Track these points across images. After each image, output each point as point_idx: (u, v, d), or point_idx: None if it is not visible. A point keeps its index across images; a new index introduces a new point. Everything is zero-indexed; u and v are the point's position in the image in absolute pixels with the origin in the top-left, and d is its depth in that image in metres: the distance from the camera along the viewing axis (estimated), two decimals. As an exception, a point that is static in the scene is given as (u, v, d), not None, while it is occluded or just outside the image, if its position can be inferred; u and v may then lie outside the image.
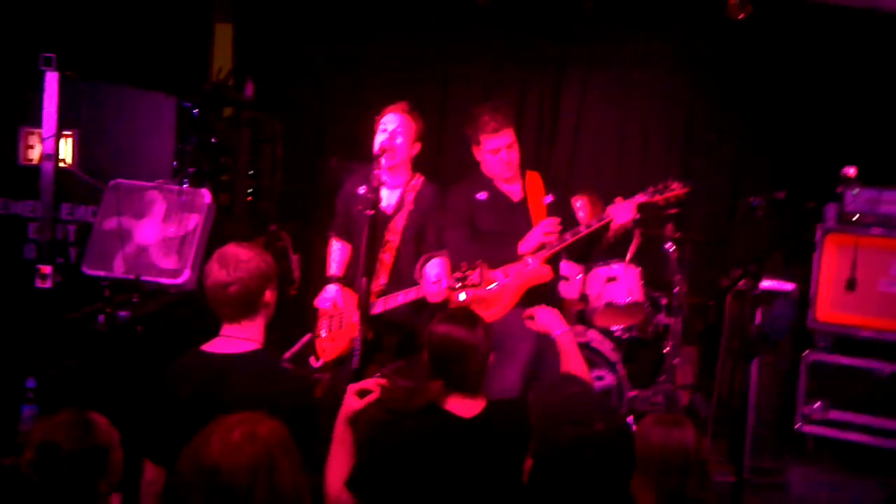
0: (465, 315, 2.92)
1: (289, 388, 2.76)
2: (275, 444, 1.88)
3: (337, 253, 4.60)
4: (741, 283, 4.53)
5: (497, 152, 4.28)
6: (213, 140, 5.69)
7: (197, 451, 1.85)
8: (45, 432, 2.22)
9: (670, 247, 5.96)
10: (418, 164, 4.52)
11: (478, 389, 2.86)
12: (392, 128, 4.27)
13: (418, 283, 4.14)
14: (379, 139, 4.26)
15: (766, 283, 4.46)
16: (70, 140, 4.97)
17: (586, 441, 2.01)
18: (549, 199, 4.41)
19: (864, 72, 6.72)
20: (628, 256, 5.98)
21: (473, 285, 3.89)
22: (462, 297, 4.20)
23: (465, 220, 4.34)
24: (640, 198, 4.18)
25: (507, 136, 4.27)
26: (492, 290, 4.22)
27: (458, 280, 3.92)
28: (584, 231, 4.18)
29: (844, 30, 6.54)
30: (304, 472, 1.96)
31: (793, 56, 6.96)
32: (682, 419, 2.59)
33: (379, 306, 4.16)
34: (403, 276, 4.28)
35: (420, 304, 4.27)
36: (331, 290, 4.50)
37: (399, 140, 4.26)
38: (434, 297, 4.07)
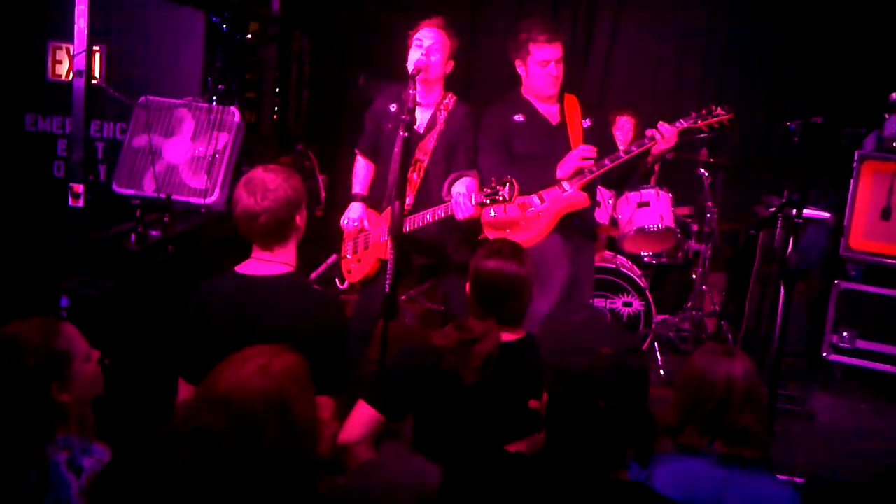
0: (512, 249, 2.89)
1: (320, 310, 2.75)
2: (288, 379, 1.88)
3: (361, 170, 4.53)
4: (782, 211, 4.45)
5: (546, 64, 4.21)
6: (239, 56, 5.60)
7: (211, 380, 1.86)
8: (9, 330, 2.26)
9: (704, 172, 5.87)
10: (449, 84, 4.43)
11: (521, 322, 2.88)
12: (428, 44, 4.15)
13: (446, 202, 4.09)
14: (414, 56, 4.14)
15: (803, 213, 4.37)
16: (99, 55, 4.90)
17: (594, 367, 2.00)
18: (588, 123, 4.33)
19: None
20: (653, 180, 5.91)
21: (504, 200, 3.82)
22: (492, 213, 4.16)
23: (500, 142, 4.26)
24: (684, 123, 4.09)
25: (558, 49, 4.20)
26: (527, 214, 4.18)
27: (488, 196, 3.85)
28: (623, 157, 4.11)
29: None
30: (316, 409, 1.96)
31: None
32: (735, 351, 2.57)
33: (406, 225, 4.07)
34: (432, 196, 4.21)
35: (447, 224, 4.23)
36: (356, 208, 4.45)
37: (434, 57, 4.15)
38: (462, 212, 3.98)
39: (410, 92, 3.71)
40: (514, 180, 3.80)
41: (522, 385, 2.65)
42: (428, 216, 4.09)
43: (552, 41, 4.19)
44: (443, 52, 4.18)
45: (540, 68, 4.22)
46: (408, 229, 4.07)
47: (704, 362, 2.53)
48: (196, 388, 1.91)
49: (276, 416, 1.82)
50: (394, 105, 4.31)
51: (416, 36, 4.19)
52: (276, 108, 6.47)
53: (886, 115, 5.34)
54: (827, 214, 5.58)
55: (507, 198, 3.81)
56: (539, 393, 2.36)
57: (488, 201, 3.87)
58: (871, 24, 6.68)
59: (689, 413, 2.51)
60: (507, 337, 2.80)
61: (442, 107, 4.29)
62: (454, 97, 4.33)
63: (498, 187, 3.82)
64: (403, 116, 3.64)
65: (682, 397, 2.56)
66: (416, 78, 3.87)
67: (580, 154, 4.13)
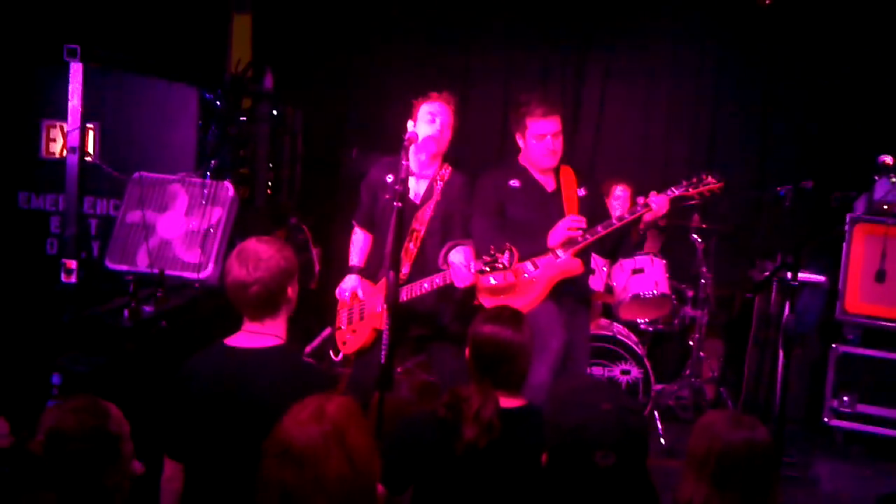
0: (511, 315, 2.90)
1: (311, 384, 2.64)
2: (343, 417, 1.93)
3: (359, 242, 4.55)
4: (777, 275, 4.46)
5: (543, 138, 4.25)
6: (232, 132, 5.65)
7: (272, 436, 1.93)
8: (56, 416, 2.21)
9: (696, 238, 5.89)
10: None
11: (520, 388, 2.86)
12: (442, 119, 4.21)
13: (443, 271, 4.09)
14: (424, 130, 4.17)
15: (798, 276, 4.39)
16: (92, 132, 4.94)
17: (592, 421, 1.97)
18: (583, 192, 4.37)
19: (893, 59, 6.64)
20: (646, 247, 5.93)
21: (503, 268, 3.85)
22: (492, 280, 4.15)
23: (493, 207, 4.30)
24: (675, 191, 4.16)
25: (556, 123, 4.26)
26: (521, 281, 4.18)
27: (487, 263, 3.87)
28: (616, 224, 4.15)
29: (873, 13, 6.46)
30: (375, 439, 2.01)
31: (819, 43, 6.88)
32: (754, 421, 2.46)
33: (403, 295, 4.11)
34: (428, 265, 4.23)
35: (443, 294, 4.23)
36: (351, 279, 4.46)
37: (446, 133, 4.23)
38: (462, 281, 4.01)
39: (403, 162, 3.73)
40: (513, 248, 3.82)
41: (525, 454, 2.61)
42: (426, 285, 4.09)
43: (549, 115, 4.24)
44: (451, 127, 4.25)
45: (537, 142, 4.27)
46: (404, 299, 4.07)
47: (725, 431, 2.41)
48: (263, 446, 1.95)
49: (338, 451, 1.88)
50: (390, 175, 4.34)
51: (427, 109, 4.23)
52: (269, 183, 6.50)
53: (876, 178, 5.38)
54: (822, 278, 5.59)
55: (507, 265, 3.83)
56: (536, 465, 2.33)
57: (488, 269, 3.88)
58: (857, 88, 6.79)
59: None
60: (507, 403, 2.77)
61: (438, 177, 4.33)
62: (450, 167, 4.37)
63: (497, 254, 3.83)
64: (396, 186, 3.65)
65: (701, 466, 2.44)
66: (426, 151, 3.88)
67: (567, 224, 4.16)
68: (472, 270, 3.96)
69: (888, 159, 5.29)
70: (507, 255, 3.82)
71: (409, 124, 4.25)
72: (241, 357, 2.70)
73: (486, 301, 4.22)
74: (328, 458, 1.87)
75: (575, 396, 2.10)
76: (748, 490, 2.31)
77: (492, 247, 3.87)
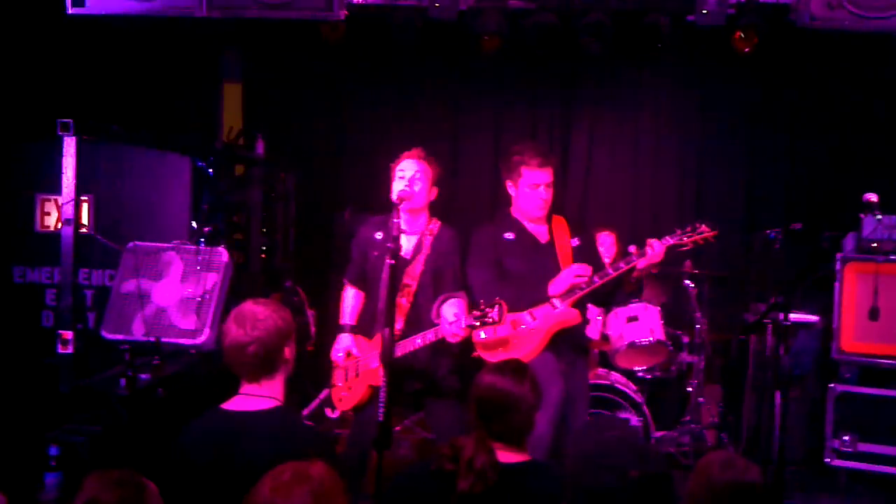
0: (514, 367, 2.89)
1: (309, 446, 2.63)
2: (327, 479, 1.96)
3: (351, 300, 4.59)
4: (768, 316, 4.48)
5: (536, 187, 4.33)
6: (225, 199, 5.72)
7: (251, 496, 1.94)
8: (98, 487, 2.19)
9: (689, 284, 5.93)
10: (433, 210, 4.52)
11: (522, 443, 2.81)
12: (410, 174, 4.28)
13: (436, 326, 4.12)
14: (397, 186, 4.25)
15: (790, 317, 4.41)
16: (87, 205, 4.99)
17: (620, 489, 1.95)
18: (576, 242, 4.42)
19: (877, 99, 6.75)
20: (647, 296, 5.95)
21: (493, 322, 3.88)
22: (482, 335, 4.18)
23: (491, 260, 4.35)
24: (670, 240, 4.22)
25: (549, 174, 4.34)
26: (519, 332, 4.20)
27: (477, 318, 3.92)
28: (612, 274, 4.20)
29: (856, 56, 6.57)
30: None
31: (800, 87, 7.01)
32: (748, 464, 2.47)
33: (398, 350, 4.10)
34: (422, 320, 4.26)
35: (438, 348, 4.25)
36: (344, 339, 4.50)
37: (418, 186, 4.27)
38: (453, 336, 4.05)
39: (394, 220, 3.77)
40: (502, 302, 3.85)
41: None
42: (418, 341, 4.12)
43: (543, 165, 4.32)
44: (425, 181, 4.30)
45: (530, 191, 4.34)
46: (398, 355, 4.08)
47: (726, 477, 2.41)
48: None
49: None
50: (379, 233, 4.39)
51: (398, 167, 4.32)
52: (263, 247, 6.56)
53: (862, 216, 5.43)
54: (815, 318, 5.60)
55: (497, 319, 3.86)
56: None
57: (478, 324, 3.92)
58: (840, 129, 6.90)
59: None
60: (508, 458, 2.73)
61: (427, 232, 4.39)
62: (439, 222, 4.43)
63: (487, 309, 3.87)
64: (389, 244, 3.70)
65: None
66: (401, 207, 3.94)
67: (575, 272, 4.21)
68: (463, 325, 3.99)
69: (873, 197, 5.33)
70: (496, 309, 3.86)
71: (391, 187, 4.33)
72: (237, 421, 2.70)
73: (485, 354, 4.24)
74: None
75: (602, 458, 2.08)
76: None
77: (482, 301, 3.92)
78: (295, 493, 1.91)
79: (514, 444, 2.78)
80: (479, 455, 2.63)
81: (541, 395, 2.89)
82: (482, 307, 3.90)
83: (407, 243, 4.36)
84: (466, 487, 2.60)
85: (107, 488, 2.18)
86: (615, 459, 2.06)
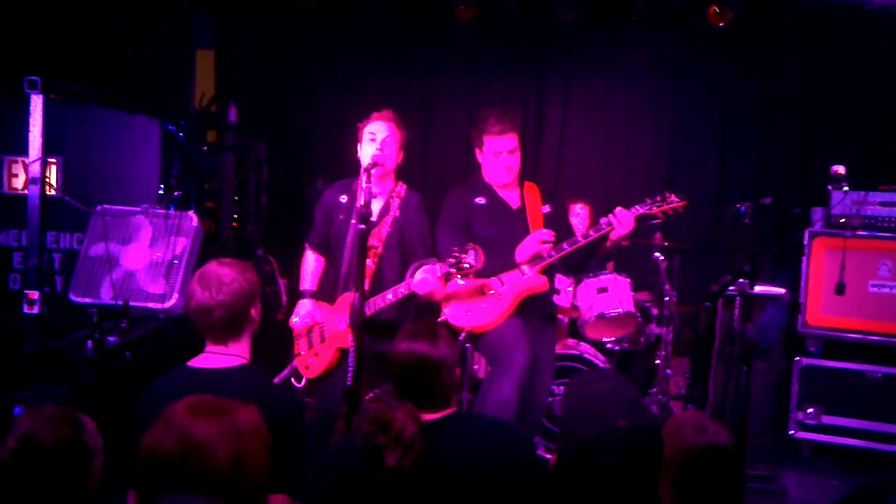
0: (427, 330, 2.72)
1: (276, 402, 2.62)
2: (248, 426, 1.96)
3: (311, 265, 4.55)
4: (734, 286, 4.52)
5: (499, 155, 4.32)
6: (197, 165, 5.68)
7: (171, 415, 1.94)
8: (32, 423, 2.16)
9: (659, 256, 5.96)
10: (403, 176, 4.51)
11: (448, 403, 2.69)
12: (382, 137, 4.25)
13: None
14: (368, 149, 4.23)
15: (757, 289, 4.45)
16: (55, 167, 4.94)
17: (607, 438, 1.95)
18: (547, 209, 4.42)
19: (848, 75, 6.81)
20: (610, 266, 5.99)
21: (469, 267, 3.83)
22: (460, 281, 4.15)
23: (461, 224, 4.34)
24: (640, 209, 4.21)
25: (511, 141, 4.32)
26: (488, 297, 4.21)
27: (452, 265, 3.87)
28: (581, 242, 4.19)
29: (827, 29, 6.62)
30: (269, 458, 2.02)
31: (773, 60, 7.05)
32: (719, 428, 2.43)
33: (367, 308, 4.04)
34: (385, 282, 4.24)
35: (405, 311, 4.27)
36: (305, 305, 4.45)
37: (388, 150, 4.25)
38: (425, 287, 3.99)
39: (364, 185, 3.74)
40: (477, 247, 3.83)
41: (460, 464, 2.53)
42: (389, 296, 4.11)
43: (504, 132, 4.30)
44: (395, 144, 4.29)
45: (494, 158, 4.33)
46: (368, 313, 4.05)
47: (693, 437, 2.39)
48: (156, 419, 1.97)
49: (228, 450, 1.90)
50: (344, 196, 4.38)
51: (368, 129, 4.28)
52: (235, 215, 6.52)
53: (830, 188, 5.48)
54: (782, 290, 5.67)
55: (474, 264, 3.82)
56: (488, 471, 2.29)
57: (454, 270, 3.89)
58: (811, 103, 6.97)
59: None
60: (429, 416, 2.60)
61: (394, 194, 4.37)
62: (404, 185, 4.42)
63: (461, 255, 3.84)
64: (360, 209, 3.66)
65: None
66: (372, 171, 3.91)
67: (539, 238, 4.20)
68: (439, 274, 3.96)
69: (840, 169, 5.39)
70: (471, 254, 3.82)
71: (358, 148, 4.31)
72: (204, 377, 2.69)
73: (452, 319, 4.25)
74: (214, 455, 1.88)
75: (593, 408, 2.08)
76: (708, 497, 2.32)
77: (454, 248, 3.89)
78: (205, 426, 1.90)
79: (441, 406, 2.66)
80: (408, 426, 2.48)
81: (457, 349, 2.75)
82: (456, 253, 3.87)
83: (373, 206, 4.35)
84: (394, 462, 2.47)
85: (42, 425, 2.16)
86: (605, 409, 2.06)
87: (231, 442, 1.90)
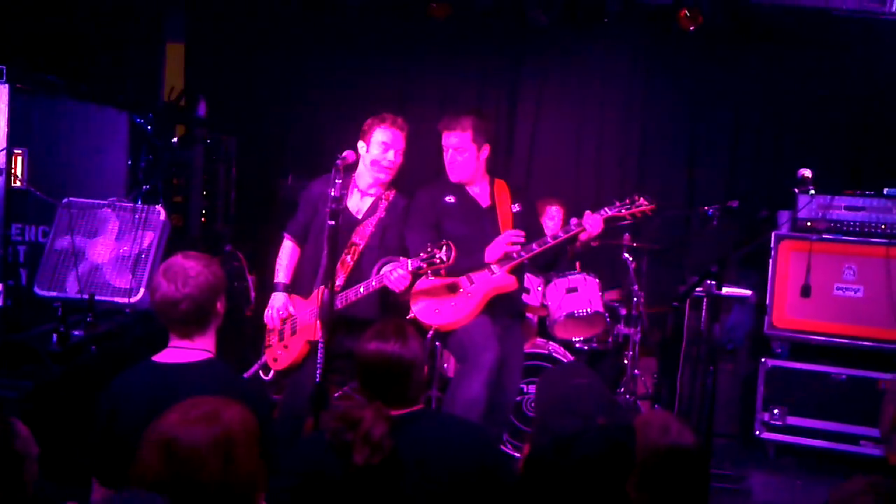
0: (396, 329, 2.71)
1: (243, 395, 2.49)
2: (237, 428, 1.93)
3: (287, 257, 4.52)
4: (701, 287, 4.57)
5: (447, 150, 4.37)
6: (166, 159, 5.63)
7: (157, 425, 1.92)
8: None
9: (628, 257, 6.00)
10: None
11: (416, 401, 2.71)
12: (397, 147, 4.32)
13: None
14: (388, 156, 4.28)
15: (724, 290, 4.50)
16: (20, 158, 4.85)
17: (586, 435, 1.95)
18: (517, 207, 4.43)
19: (817, 79, 6.89)
20: (578, 266, 6.02)
21: (441, 262, 3.85)
22: (430, 276, 4.17)
23: (430, 222, 4.34)
24: (609, 211, 4.25)
25: (453, 137, 4.34)
26: (458, 295, 4.22)
27: (424, 260, 3.89)
28: (550, 242, 4.21)
29: (796, 34, 6.70)
30: (261, 462, 2.00)
31: (743, 64, 7.12)
32: (683, 428, 2.45)
33: (338, 302, 4.05)
34: (363, 279, 4.23)
35: (376, 307, 4.26)
36: (279, 298, 4.43)
37: (399, 160, 4.33)
38: (397, 284, 4.01)
39: (336, 181, 3.70)
40: (450, 242, 3.84)
41: (423, 461, 2.53)
42: (361, 289, 4.10)
43: (449, 127, 4.35)
44: (403, 154, 4.35)
45: (445, 154, 4.39)
46: (340, 306, 4.04)
47: (656, 436, 2.38)
48: (144, 433, 1.95)
49: (219, 458, 1.88)
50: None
51: (382, 135, 4.30)
52: (204, 211, 6.47)
53: (796, 190, 5.55)
54: (748, 292, 5.72)
55: (446, 259, 3.83)
56: (450, 470, 2.28)
57: (425, 265, 3.89)
58: (781, 106, 7.04)
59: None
60: (396, 412, 2.60)
61: (384, 196, 4.38)
62: (395, 190, 4.42)
63: (434, 250, 3.85)
64: (332, 205, 3.63)
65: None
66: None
67: (508, 238, 4.21)
68: (410, 268, 3.97)
69: (807, 172, 5.46)
70: (444, 250, 3.84)
71: (360, 146, 4.30)
72: (169, 372, 2.68)
73: (421, 317, 4.24)
74: (207, 463, 1.86)
75: (571, 402, 2.07)
76: (673, 496, 2.33)
77: (428, 244, 3.91)
78: (198, 432, 1.88)
79: (410, 404, 2.66)
80: (377, 427, 2.48)
81: (426, 348, 2.83)
82: (429, 248, 3.87)
83: (361, 203, 4.37)
84: (363, 460, 2.45)
85: None
86: (584, 405, 2.04)
87: (222, 450, 1.90)
